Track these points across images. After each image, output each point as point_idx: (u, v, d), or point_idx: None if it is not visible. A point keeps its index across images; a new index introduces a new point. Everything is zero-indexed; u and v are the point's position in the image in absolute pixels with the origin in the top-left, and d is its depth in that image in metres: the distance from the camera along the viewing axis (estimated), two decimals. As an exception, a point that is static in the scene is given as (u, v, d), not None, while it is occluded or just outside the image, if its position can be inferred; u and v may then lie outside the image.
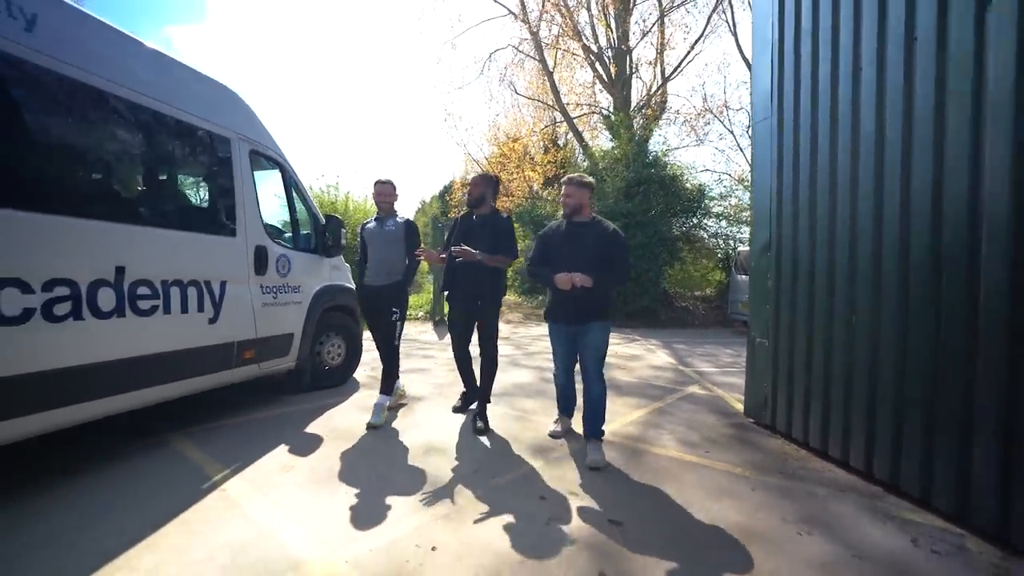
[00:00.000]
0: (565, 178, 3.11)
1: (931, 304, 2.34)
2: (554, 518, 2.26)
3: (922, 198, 2.38)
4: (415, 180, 71.57)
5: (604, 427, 3.09)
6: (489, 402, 3.63)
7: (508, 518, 2.25)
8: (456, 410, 3.89)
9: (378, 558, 1.93)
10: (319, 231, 4.36)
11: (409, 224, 3.78)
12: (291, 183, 4.14)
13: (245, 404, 3.97)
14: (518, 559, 1.93)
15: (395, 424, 3.62)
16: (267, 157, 3.86)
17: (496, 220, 3.51)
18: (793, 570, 1.90)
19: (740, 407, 4.08)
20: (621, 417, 3.84)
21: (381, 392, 3.65)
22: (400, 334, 3.71)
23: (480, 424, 3.46)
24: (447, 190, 28.27)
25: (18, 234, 2.20)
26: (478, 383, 3.64)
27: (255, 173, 3.74)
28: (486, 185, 3.57)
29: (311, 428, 3.48)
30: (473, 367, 3.80)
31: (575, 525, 2.21)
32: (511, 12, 18.62)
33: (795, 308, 3.31)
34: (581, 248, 2.96)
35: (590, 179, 3.11)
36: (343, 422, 3.60)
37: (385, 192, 3.76)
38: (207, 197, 3.47)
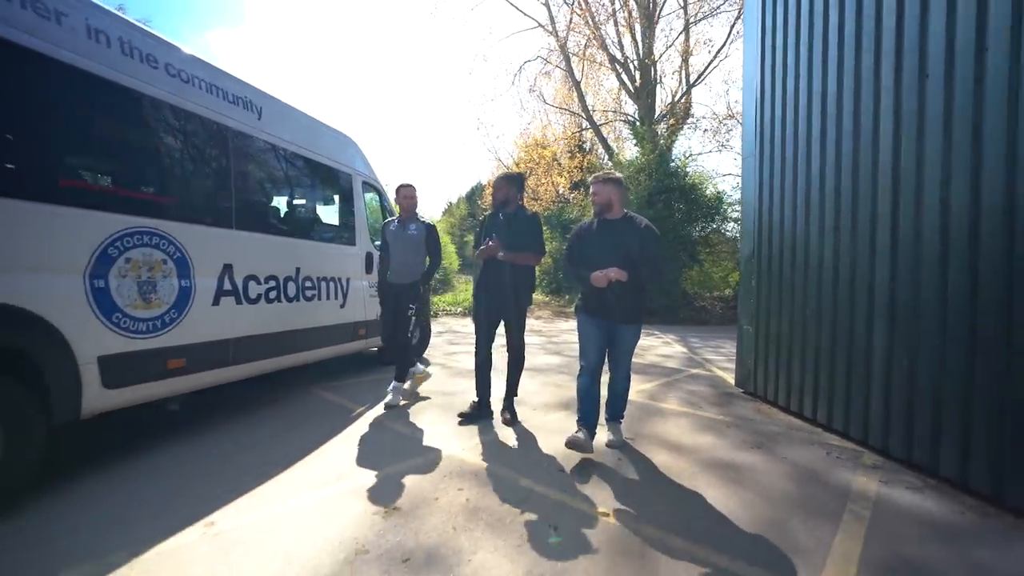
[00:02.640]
0: (592, 177, 3.09)
1: (848, 301, 3.44)
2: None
3: (857, 223, 3.48)
4: (442, 181, 73.28)
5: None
6: (516, 395, 3.73)
7: (543, 420, 3.43)
8: (462, 417, 3.65)
9: (475, 450, 3.15)
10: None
11: (430, 228, 3.99)
12: (384, 203, 5.44)
13: (355, 370, 5.28)
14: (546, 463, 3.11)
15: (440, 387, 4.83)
16: (371, 185, 5.16)
17: (522, 217, 3.52)
18: (742, 463, 3.03)
19: (733, 382, 5.18)
20: (634, 388, 4.96)
21: (396, 379, 4.00)
22: (413, 328, 4.04)
23: (508, 415, 3.60)
24: (477, 191, 29.57)
25: (257, 247, 3.54)
26: (491, 394, 3.75)
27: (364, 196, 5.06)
28: (509, 185, 3.54)
29: (424, 388, 4.75)
30: (491, 376, 3.76)
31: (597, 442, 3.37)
32: (540, 25, 19.77)
33: (770, 302, 4.41)
34: (613, 245, 2.92)
35: (618, 175, 3.05)
36: (426, 384, 4.85)
37: (408, 195, 3.94)
38: (340, 218, 4.78)
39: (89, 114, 2.62)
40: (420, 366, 4.27)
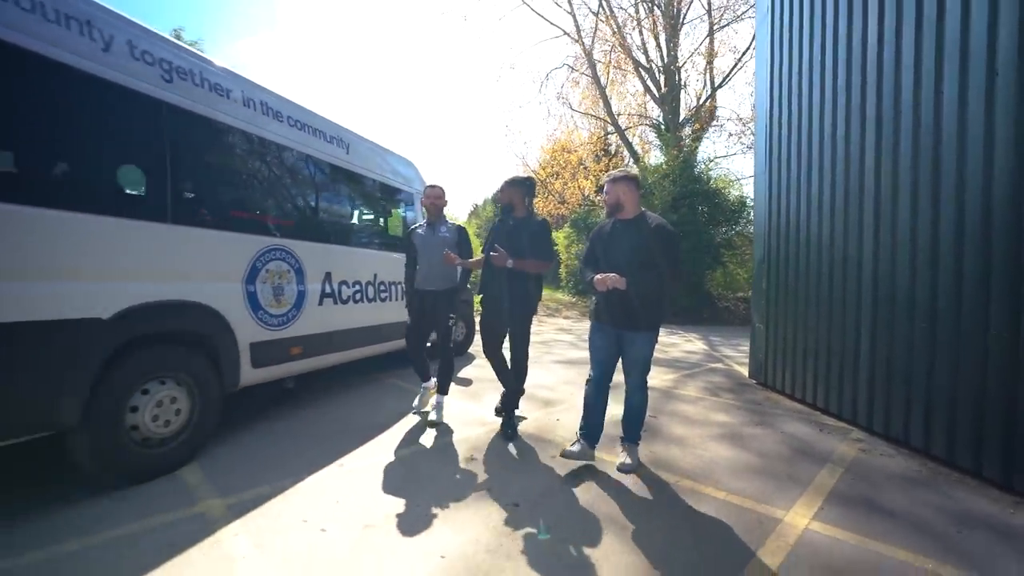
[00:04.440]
0: (605, 175, 2.91)
1: (840, 303, 4.05)
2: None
3: (848, 237, 4.10)
4: (469, 183, 74.53)
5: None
6: (517, 407, 3.67)
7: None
8: (499, 413, 3.83)
9: (525, 424, 3.89)
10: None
11: (461, 230, 3.86)
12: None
13: (404, 362, 6.08)
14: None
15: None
16: (427, 202, 5.99)
17: (529, 224, 3.42)
18: (747, 434, 3.69)
19: (747, 374, 5.80)
20: (657, 378, 5.64)
21: (438, 392, 3.86)
22: (454, 336, 4.24)
23: (508, 431, 3.48)
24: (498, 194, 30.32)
25: (347, 258, 4.37)
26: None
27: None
28: (514, 190, 3.46)
29: (462, 373, 5.53)
30: (507, 369, 3.73)
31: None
32: (566, 33, 20.40)
33: (778, 303, 5.03)
34: (620, 247, 2.76)
35: (630, 172, 2.86)
36: (472, 372, 5.62)
37: (435, 195, 3.80)
38: (404, 230, 5.59)
39: (246, 160, 3.51)
40: (433, 379, 4.01)
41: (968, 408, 2.94)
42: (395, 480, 2.78)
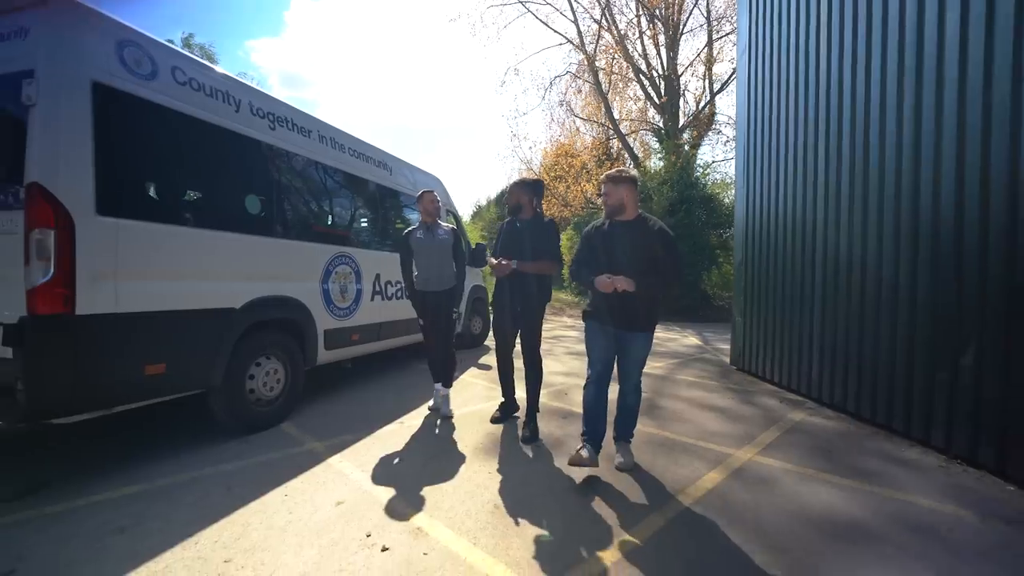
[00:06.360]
0: (604, 175, 2.84)
1: (799, 298, 4.92)
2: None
3: (804, 246, 4.96)
4: (472, 183, 75.52)
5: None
6: (538, 411, 3.66)
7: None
8: (495, 420, 3.84)
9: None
10: (471, 251, 7.31)
11: (455, 232, 4.00)
12: (460, 225, 7.12)
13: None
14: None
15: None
16: (450, 212, 6.86)
17: (537, 225, 3.46)
18: (723, 406, 4.55)
19: (729, 361, 6.66)
20: (654, 365, 6.51)
21: (444, 384, 4.07)
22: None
23: (527, 432, 3.48)
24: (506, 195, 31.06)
25: (390, 261, 5.23)
26: (517, 394, 3.90)
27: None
28: (522, 191, 3.51)
29: (482, 360, 6.42)
30: (515, 378, 3.88)
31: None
32: (568, 40, 21.24)
33: (755, 299, 5.89)
34: (623, 249, 2.75)
35: (630, 173, 2.83)
36: (489, 359, 6.47)
37: (430, 200, 3.89)
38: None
39: (322, 185, 4.45)
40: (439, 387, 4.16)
41: (884, 377, 3.80)
42: (443, 432, 3.68)
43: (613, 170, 2.82)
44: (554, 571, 1.93)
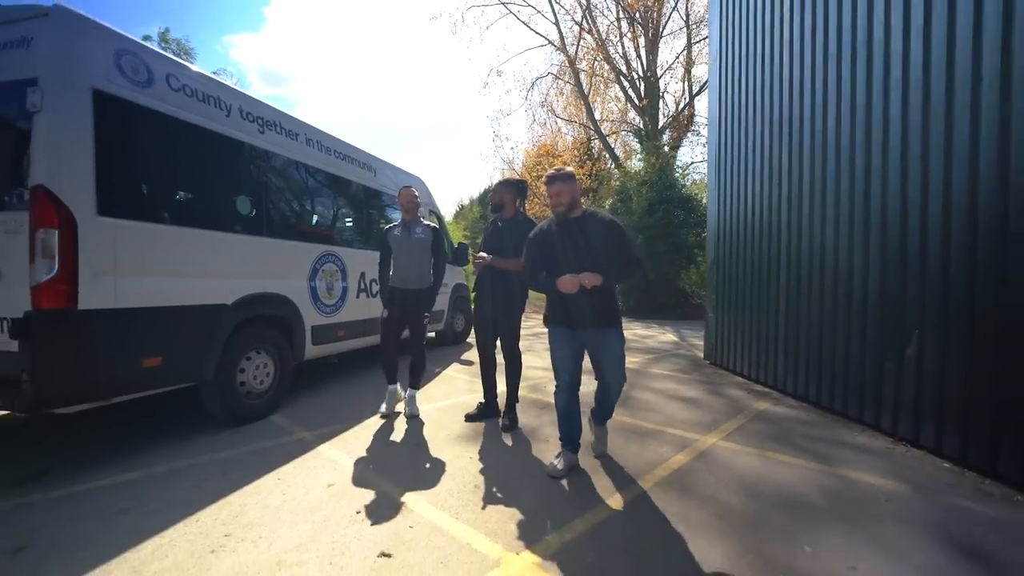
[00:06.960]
0: (547, 176, 2.75)
1: (766, 296, 5.20)
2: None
3: (770, 247, 5.25)
4: (454, 182, 75.53)
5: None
6: (517, 401, 3.80)
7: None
8: (470, 418, 3.87)
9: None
10: (453, 250, 7.49)
11: (435, 231, 3.98)
12: (443, 225, 7.29)
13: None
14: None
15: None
16: (434, 212, 7.02)
17: (517, 224, 3.53)
18: (694, 397, 4.81)
19: (703, 356, 6.95)
20: (631, 359, 6.77)
21: (410, 386, 4.00)
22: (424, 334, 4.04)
23: (506, 421, 3.64)
24: (489, 195, 31.16)
25: (373, 260, 5.37)
26: (498, 396, 3.96)
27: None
28: (506, 190, 3.63)
29: (464, 356, 6.61)
30: (497, 376, 3.94)
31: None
32: (550, 42, 21.52)
33: (726, 297, 6.18)
34: (583, 245, 2.69)
35: (567, 168, 2.78)
36: (471, 355, 6.68)
37: (409, 196, 3.90)
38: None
39: (308, 185, 4.58)
40: (397, 384, 4.11)
41: (840, 368, 4.09)
42: (427, 422, 3.86)
43: (553, 170, 2.75)
44: (529, 540, 2.13)
